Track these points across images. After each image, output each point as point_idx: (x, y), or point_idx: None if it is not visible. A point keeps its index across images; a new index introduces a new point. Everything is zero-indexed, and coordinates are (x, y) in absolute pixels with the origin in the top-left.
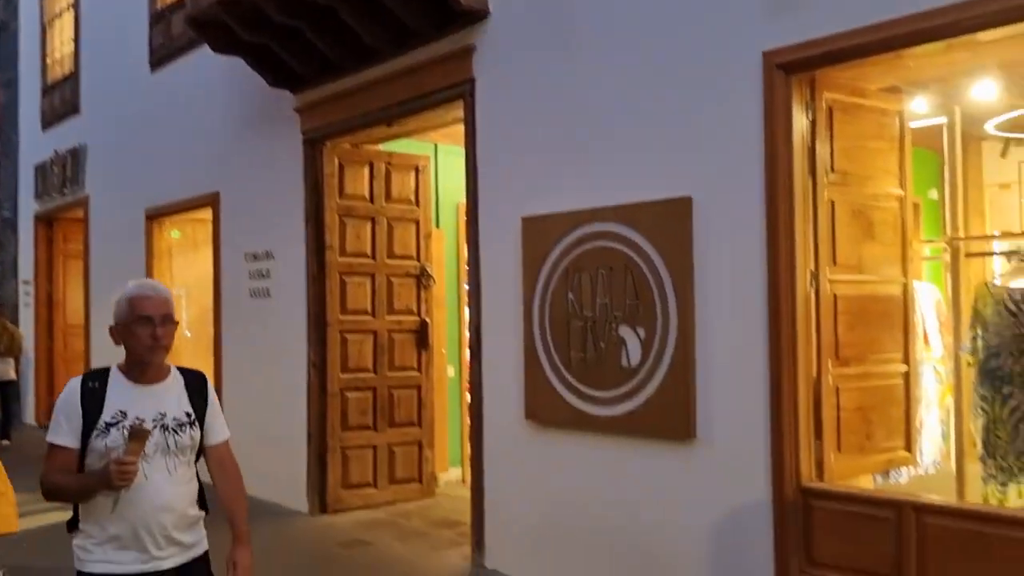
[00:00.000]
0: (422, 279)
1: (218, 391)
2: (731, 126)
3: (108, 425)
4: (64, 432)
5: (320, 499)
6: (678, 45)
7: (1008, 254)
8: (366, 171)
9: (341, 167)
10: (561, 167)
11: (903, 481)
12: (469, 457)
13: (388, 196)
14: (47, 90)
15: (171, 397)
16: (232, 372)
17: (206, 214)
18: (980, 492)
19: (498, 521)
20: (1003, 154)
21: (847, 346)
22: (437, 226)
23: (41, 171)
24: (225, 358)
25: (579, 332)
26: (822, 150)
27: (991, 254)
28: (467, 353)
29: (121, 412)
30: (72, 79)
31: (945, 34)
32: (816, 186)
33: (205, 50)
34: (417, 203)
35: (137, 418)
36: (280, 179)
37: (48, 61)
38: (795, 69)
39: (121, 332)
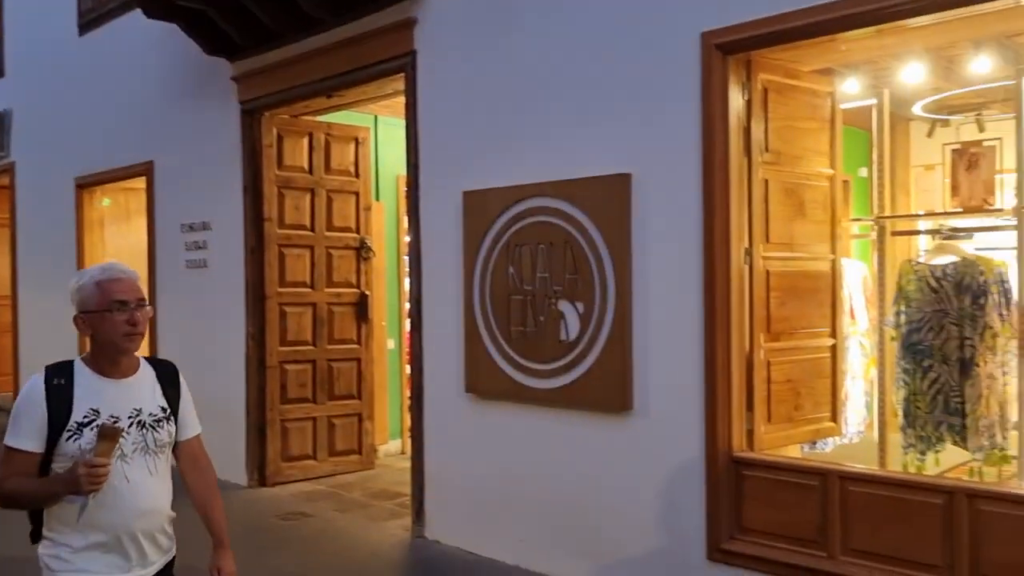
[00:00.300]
0: (361, 251)
1: None
2: (670, 105)
3: (80, 425)
4: (25, 434)
5: (259, 472)
6: (619, 23)
7: (931, 232)
8: (305, 142)
9: (280, 137)
10: (502, 142)
11: (829, 450)
12: (409, 429)
13: (327, 168)
14: None
15: (145, 391)
16: (167, 345)
17: (139, 183)
18: (901, 460)
19: (438, 492)
20: (929, 134)
21: (778, 320)
22: (377, 198)
23: None
24: (160, 331)
25: (519, 306)
26: (757, 130)
27: (916, 232)
28: (407, 326)
29: (93, 410)
30: None
31: (876, 20)
32: (751, 165)
33: (137, 14)
34: (357, 175)
35: (111, 416)
36: (217, 149)
37: None
38: (732, 50)
39: (91, 320)
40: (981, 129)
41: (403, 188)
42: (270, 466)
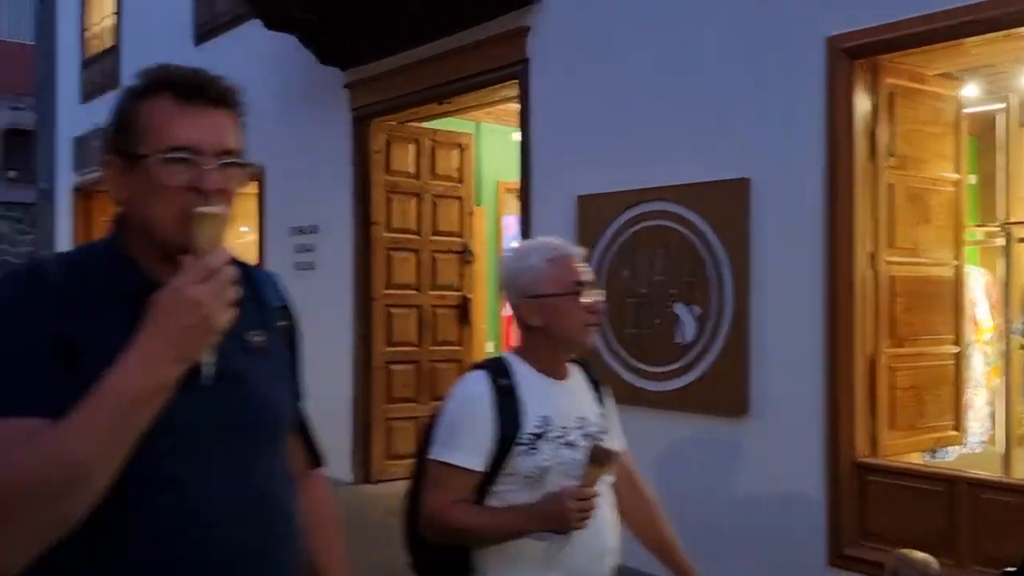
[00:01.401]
0: (464, 255)
1: None
2: (792, 109)
3: (535, 437)
4: (468, 448)
5: (364, 469)
6: (741, 27)
7: None
8: (412, 148)
9: (388, 143)
10: (616, 147)
11: (950, 459)
12: None
13: (433, 173)
14: (86, 63)
15: (585, 396)
16: None
17: (248, 188)
18: None
19: None
20: None
21: (902, 326)
22: (478, 203)
23: (80, 144)
24: None
25: (633, 309)
26: (882, 134)
27: None
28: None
29: (543, 418)
30: (112, 53)
31: (1005, 24)
32: (876, 169)
33: (252, 25)
34: (460, 180)
35: (585, 423)
36: (327, 155)
37: (87, 34)
38: (858, 54)
39: (543, 308)
40: None
41: (503, 194)
42: (374, 464)
